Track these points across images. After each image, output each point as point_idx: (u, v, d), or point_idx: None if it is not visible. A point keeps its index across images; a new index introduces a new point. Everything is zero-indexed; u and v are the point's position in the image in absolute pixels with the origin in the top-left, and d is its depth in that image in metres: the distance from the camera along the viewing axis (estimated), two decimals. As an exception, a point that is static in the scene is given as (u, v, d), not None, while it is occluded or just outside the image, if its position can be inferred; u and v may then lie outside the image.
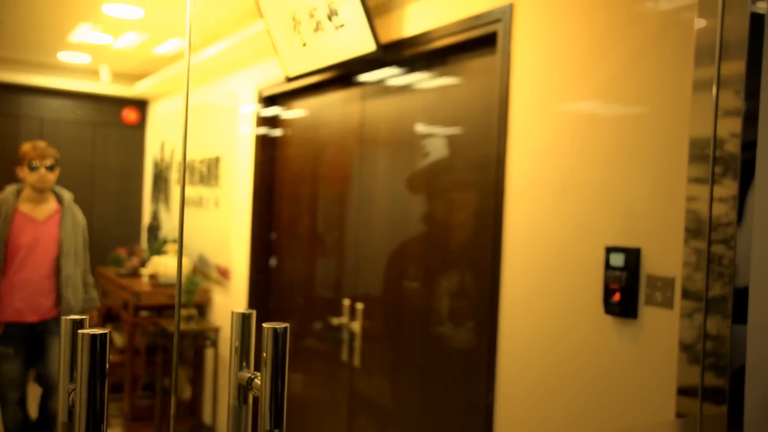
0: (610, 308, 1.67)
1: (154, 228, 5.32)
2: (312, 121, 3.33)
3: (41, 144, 3.27)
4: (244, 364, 0.82)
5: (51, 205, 3.31)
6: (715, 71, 1.34)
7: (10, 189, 3.27)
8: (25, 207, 3.25)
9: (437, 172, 2.45)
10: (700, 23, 1.37)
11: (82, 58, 5.02)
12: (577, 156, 1.80)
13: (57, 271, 3.27)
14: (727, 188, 1.31)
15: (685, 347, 1.38)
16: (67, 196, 3.38)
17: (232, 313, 0.83)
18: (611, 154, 1.71)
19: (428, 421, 2.43)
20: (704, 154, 1.36)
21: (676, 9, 1.57)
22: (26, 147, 3.24)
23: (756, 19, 1.29)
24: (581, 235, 1.79)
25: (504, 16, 2.04)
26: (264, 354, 0.75)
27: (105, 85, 5.51)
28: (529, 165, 1.96)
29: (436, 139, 2.48)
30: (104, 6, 3.59)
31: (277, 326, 0.74)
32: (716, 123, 1.34)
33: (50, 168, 3.22)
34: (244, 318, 0.82)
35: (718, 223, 1.33)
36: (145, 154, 5.92)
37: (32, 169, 3.19)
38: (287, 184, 3.57)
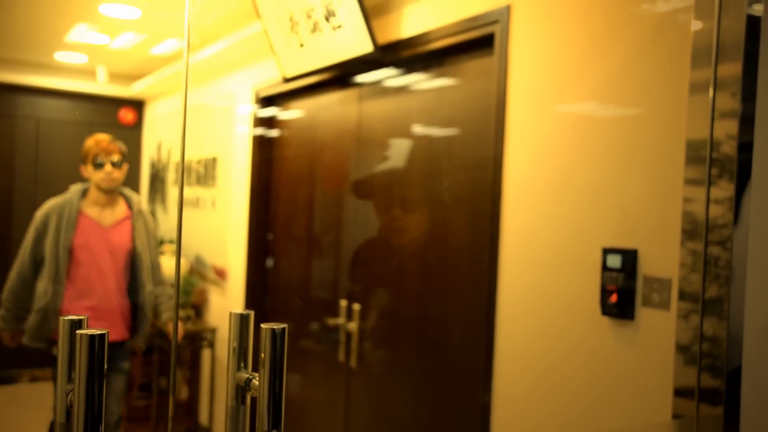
0: (607, 309, 1.67)
1: (150, 228, 5.30)
2: (309, 122, 3.33)
3: (104, 137, 2.93)
4: (242, 364, 0.82)
5: (120, 208, 2.95)
6: (711, 73, 1.35)
7: (75, 189, 2.94)
8: (90, 210, 2.90)
9: (434, 173, 2.45)
10: (696, 25, 1.37)
11: (78, 58, 5.01)
12: (575, 157, 1.81)
13: (131, 286, 2.94)
14: (724, 190, 1.31)
15: (682, 348, 1.38)
16: (136, 198, 3.04)
17: (230, 313, 0.83)
18: (608, 155, 1.71)
19: (425, 421, 2.43)
20: (701, 155, 1.36)
21: (672, 11, 1.57)
22: (89, 142, 2.93)
23: (752, 21, 1.29)
24: (578, 237, 1.79)
25: (501, 18, 2.05)
26: (262, 355, 0.75)
27: (102, 86, 5.51)
28: (526, 166, 1.97)
29: (431, 141, 2.48)
30: (101, 6, 3.58)
31: (275, 327, 0.74)
32: (713, 125, 1.34)
33: (117, 164, 2.89)
34: (242, 319, 0.82)
35: (715, 224, 1.33)
36: (141, 155, 5.91)
37: (97, 166, 2.87)
38: (284, 184, 3.56)
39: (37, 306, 2.80)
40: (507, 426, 2.01)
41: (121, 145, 2.93)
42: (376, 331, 2.73)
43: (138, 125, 5.90)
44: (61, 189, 4.04)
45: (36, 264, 2.85)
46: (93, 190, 2.92)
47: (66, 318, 0.66)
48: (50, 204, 2.87)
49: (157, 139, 5.55)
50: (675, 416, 1.39)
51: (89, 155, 2.89)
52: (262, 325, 0.76)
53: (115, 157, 2.89)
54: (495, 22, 2.07)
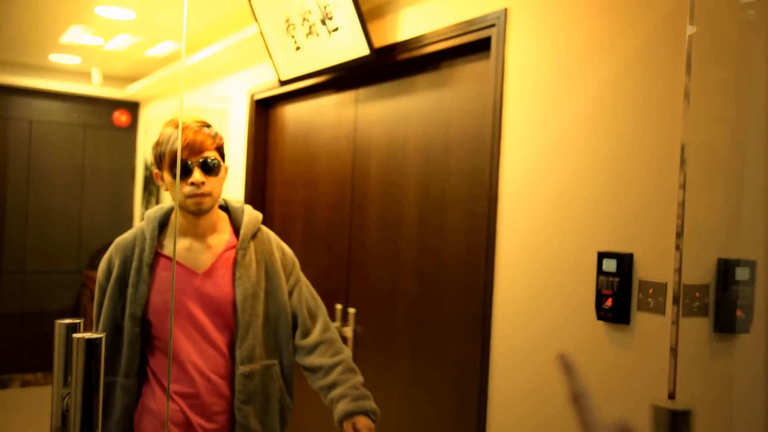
0: (602, 314, 1.67)
1: (144, 231, 5.28)
2: (305, 125, 3.33)
3: (191, 123, 1.70)
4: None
5: (222, 238, 1.76)
6: (706, 78, 1.35)
7: (150, 215, 1.77)
8: (172, 246, 1.74)
9: (431, 176, 2.45)
10: (691, 30, 1.38)
11: (73, 59, 5.00)
12: (571, 161, 1.81)
13: (249, 355, 1.72)
14: (719, 194, 1.32)
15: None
16: (248, 215, 1.81)
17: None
18: (605, 159, 1.72)
19: (421, 426, 2.43)
20: (694, 159, 1.36)
21: (668, 16, 1.58)
22: (164, 131, 1.71)
23: (746, 27, 1.30)
24: (574, 240, 1.79)
25: (498, 22, 2.05)
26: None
27: (96, 87, 5.49)
28: (522, 170, 1.97)
29: (428, 144, 2.48)
30: (97, 8, 3.58)
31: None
32: (686, 129, 1.35)
33: (211, 167, 1.67)
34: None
35: (710, 228, 1.34)
36: (136, 157, 5.89)
37: (181, 173, 1.66)
38: (280, 187, 3.56)
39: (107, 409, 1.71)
40: (503, 430, 2.00)
41: (216, 134, 1.71)
42: (372, 336, 2.72)
43: (132, 127, 5.88)
44: (55, 193, 3.94)
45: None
46: (180, 215, 1.72)
47: (62, 322, 0.65)
48: (115, 244, 1.77)
49: (152, 141, 5.53)
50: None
51: (166, 154, 1.67)
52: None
53: (210, 155, 1.67)
54: (492, 25, 2.08)
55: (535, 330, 1.89)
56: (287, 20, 2.87)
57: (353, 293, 2.84)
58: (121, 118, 5.79)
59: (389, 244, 2.64)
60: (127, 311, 1.67)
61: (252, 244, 1.77)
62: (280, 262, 1.83)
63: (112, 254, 1.75)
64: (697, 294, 1.48)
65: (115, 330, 1.69)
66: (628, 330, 1.64)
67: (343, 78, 2.92)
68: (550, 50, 1.89)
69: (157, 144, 1.73)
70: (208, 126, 1.71)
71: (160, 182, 1.75)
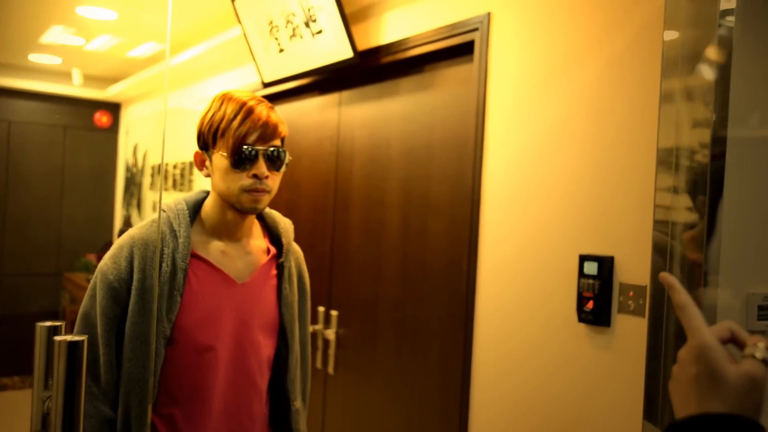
0: (583, 316, 1.69)
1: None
2: (288, 127, 3.32)
3: (259, 100, 1.39)
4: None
5: (258, 244, 1.48)
6: (681, 83, 1.37)
7: (180, 207, 1.40)
8: (211, 250, 1.40)
9: (414, 179, 2.46)
10: (669, 35, 1.40)
11: (53, 59, 4.95)
12: (553, 164, 1.83)
13: (278, 381, 1.49)
14: (697, 198, 1.34)
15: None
16: (282, 222, 1.55)
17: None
18: (586, 163, 1.73)
19: (403, 429, 2.43)
20: (672, 162, 1.38)
21: (648, 21, 1.60)
22: (227, 106, 1.34)
23: (724, 31, 1.32)
24: (556, 244, 1.80)
25: (481, 25, 2.06)
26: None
27: (77, 88, 5.44)
28: (505, 173, 1.98)
29: (411, 147, 2.49)
30: (78, 8, 3.54)
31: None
32: (658, 132, 1.37)
33: (278, 159, 1.38)
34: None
35: (688, 232, 1.35)
36: (117, 158, 5.84)
37: (241, 161, 1.32)
38: (262, 189, 3.54)
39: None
40: (485, 430, 2.02)
41: (280, 122, 1.41)
42: (355, 338, 2.72)
43: (114, 128, 5.83)
44: (34, 195, 3.89)
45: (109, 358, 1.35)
46: (219, 210, 1.40)
47: (43, 324, 0.64)
48: (132, 238, 1.36)
49: (133, 142, 5.49)
50: (647, 420, 1.41)
51: (229, 135, 1.32)
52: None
53: (278, 145, 1.39)
54: (475, 29, 2.09)
55: (517, 332, 1.91)
56: (271, 22, 2.86)
57: (336, 295, 2.84)
58: (102, 119, 5.74)
59: (372, 247, 2.65)
60: (154, 328, 1.29)
61: (291, 257, 1.51)
62: (307, 279, 1.60)
63: (131, 252, 1.33)
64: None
65: (136, 352, 1.30)
66: (608, 332, 1.66)
67: (326, 80, 2.92)
68: (533, 54, 1.91)
69: (211, 119, 1.35)
70: (272, 109, 1.41)
71: (199, 166, 1.41)
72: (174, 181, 4.56)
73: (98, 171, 5.78)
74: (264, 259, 1.46)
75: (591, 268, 1.67)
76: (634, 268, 1.60)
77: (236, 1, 2.98)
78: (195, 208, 1.43)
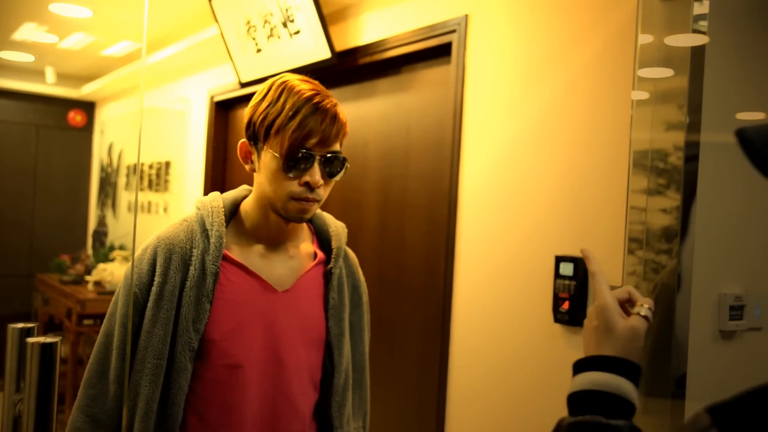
0: (559, 317, 1.70)
1: (100, 234, 5.18)
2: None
3: (326, 102, 1.16)
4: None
5: (303, 246, 1.31)
6: (655, 86, 1.39)
7: (215, 204, 1.27)
8: (249, 255, 1.24)
9: (391, 180, 2.46)
10: (643, 39, 1.42)
11: (25, 57, 4.87)
12: (529, 166, 1.84)
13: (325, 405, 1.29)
14: (671, 200, 1.36)
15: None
16: (333, 225, 1.39)
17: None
18: (562, 164, 1.75)
19: (381, 425, 2.43)
20: (647, 165, 1.40)
21: (622, 24, 1.62)
22: (290, 96, 1.16)
23: (698, 35, 1.34)
24: (533, 245, 1.82)
25: (459, 27, 2.07)
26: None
27: (50, 86, 5.35)
28: (482, 174, 1.99)
29: (388, 148, 2.49)
30: (51, 5, 3.49)
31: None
32: (631, 134, 1.38)
33: (335, 167, 1.20)
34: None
35: (662, 233, 1.37)
36: (92, 158, 5.76)
37: (295, 163, 1.15)
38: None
39: None
40: (461, 426, 2.02)
41: (346, 120, 1.21)
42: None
43: (88, 127, 5.75)
44: (6, 195, 3.81)
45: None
46: (261, 211, 1.24)
47: (15, 327, 0.63)
48: (158, 238, 1.23)
49: (108, 142, 5.42)
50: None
51: (278, 130, 1.16)
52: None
53: (336, 148, 1.19)
54: (452, 31, 2.10)
55: (494, 332, 1.92)
56: (248, 22, 2.85)
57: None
58: (76, 118, 5.66)
59: (349, 247, 2.64)
60: (181, 339, 1.14)
61: (342, 263, 1.35)
62: (364, 289, 1.41)
63: (154, 253, 1.19)
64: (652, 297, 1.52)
65: (144, 364, 1.14)
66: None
67: (304, 81, 2.91)
68: (510, 57, 1.92)
69: (266, 110, 1.18)
70: (337, 101, 1.20)
71: (244, 159, 1.27)
72: (150, 181, 4.51)
73: (72, 171, 5.70)
74: (309, 264, 1.28)
75: (567, 269, 1.69)
76: (609, 269, 1.62)
77: (213, 0, 2.96)
78: (233, 206, 1.28)
